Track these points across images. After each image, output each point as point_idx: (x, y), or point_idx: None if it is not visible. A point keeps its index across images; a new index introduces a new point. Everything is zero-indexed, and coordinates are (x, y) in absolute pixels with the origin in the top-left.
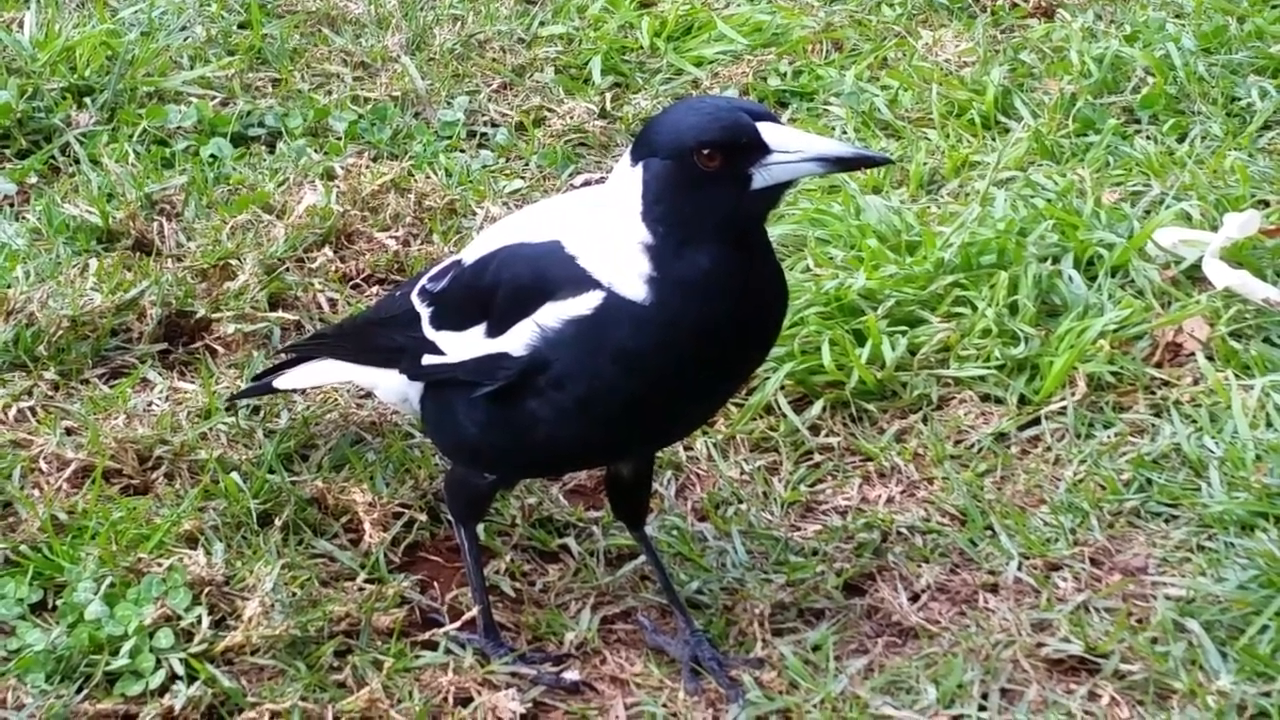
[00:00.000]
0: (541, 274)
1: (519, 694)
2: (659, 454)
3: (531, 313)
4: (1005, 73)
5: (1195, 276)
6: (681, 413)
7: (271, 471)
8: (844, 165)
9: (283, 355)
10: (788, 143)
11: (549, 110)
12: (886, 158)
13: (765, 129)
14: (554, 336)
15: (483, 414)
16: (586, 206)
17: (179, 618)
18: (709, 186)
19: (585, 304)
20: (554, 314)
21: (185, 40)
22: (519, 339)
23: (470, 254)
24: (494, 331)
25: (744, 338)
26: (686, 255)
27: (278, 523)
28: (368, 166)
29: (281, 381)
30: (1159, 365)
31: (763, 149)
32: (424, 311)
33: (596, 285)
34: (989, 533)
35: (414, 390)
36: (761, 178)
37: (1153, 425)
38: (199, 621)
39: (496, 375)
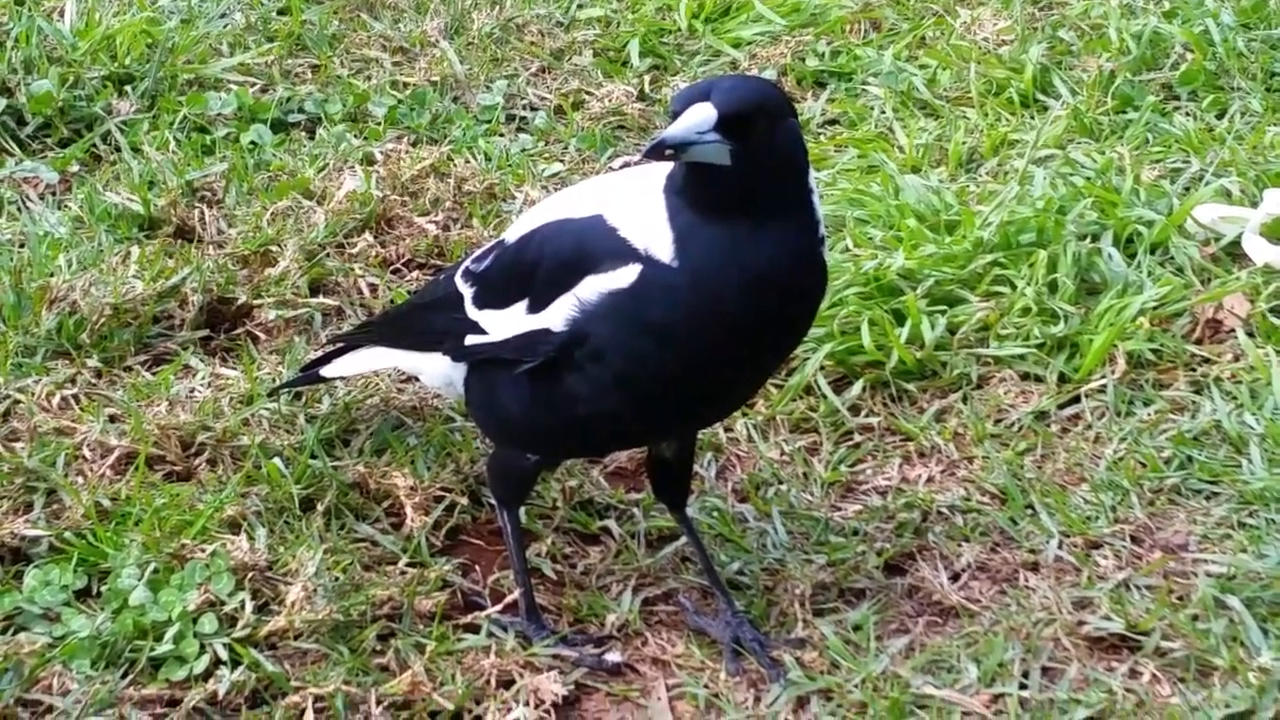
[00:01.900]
0: (583, 248)
1: (561, 676)
2: (700, 435)
3: (573, 287)
4: (1044, 50)
5: (1235, 253)
6: (717, 390)
7: (313, 457)
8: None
9: (328, 346)
10: (675, 124)
11: (588, 93)
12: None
13: (690, 110)
14: (593, 310)
15: (525, 392)
16: (634, 180)
17: (222, 603)
18: None
19: (624, 277)
20: (594, 287)
21: (225, 27)
22: (560, 314)
23: (513, 233)
24: (536, 308)
25: (765, 316)
26: (678, 212)
27: (320, 508)
28: (407, 151)
29: (328, 370)
30: (1199, 342)
31: None
32: (467, 292)
33: (636, 256)
34: (1029, 511)
35: (458, 373)
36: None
37: (1193, 402)
38: (242, 607)
39: (538, 351)
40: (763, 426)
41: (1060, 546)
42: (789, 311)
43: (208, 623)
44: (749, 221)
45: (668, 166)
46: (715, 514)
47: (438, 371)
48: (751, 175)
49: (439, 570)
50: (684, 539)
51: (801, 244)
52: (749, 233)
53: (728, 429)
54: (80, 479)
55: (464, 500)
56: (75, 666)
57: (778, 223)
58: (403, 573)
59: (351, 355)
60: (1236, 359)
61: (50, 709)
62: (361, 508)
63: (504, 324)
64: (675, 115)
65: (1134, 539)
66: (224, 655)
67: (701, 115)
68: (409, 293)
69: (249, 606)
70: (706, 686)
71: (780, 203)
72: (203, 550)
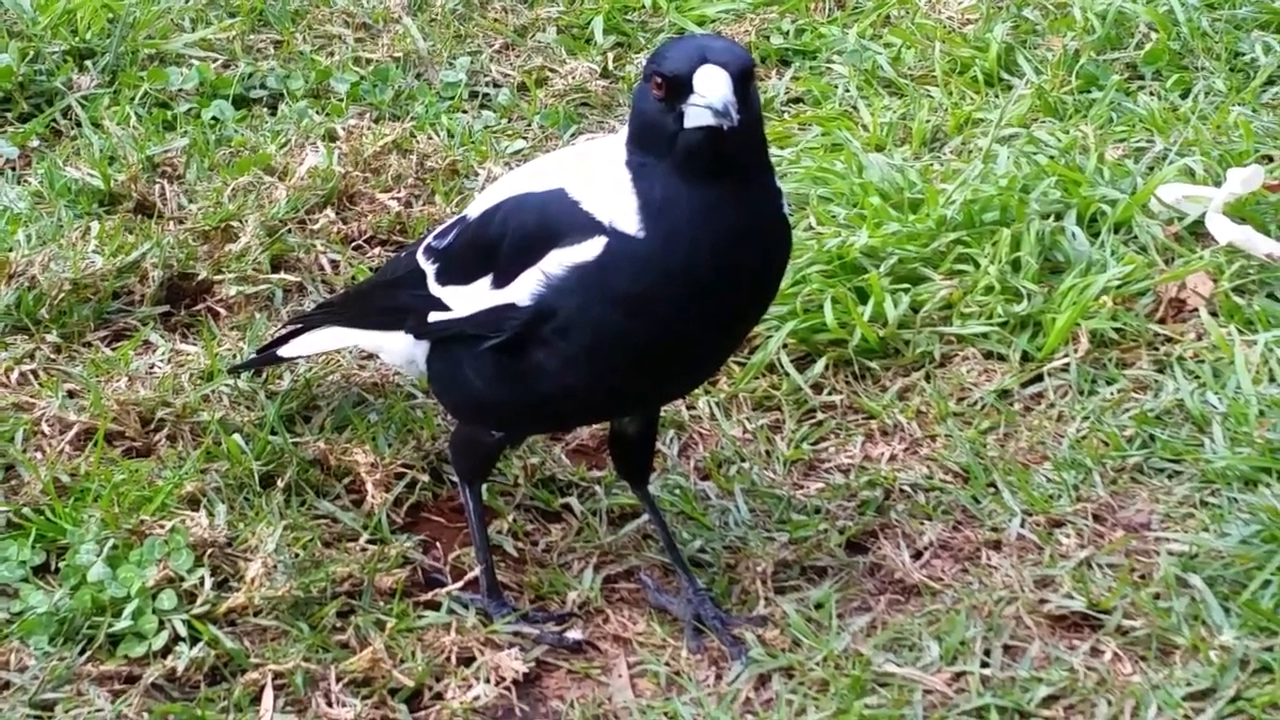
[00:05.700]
0: (546, 221)
1: (521, 653)
2: (662, 413)
3: (537, 261)
4: (1008, 29)
5: (1198, 232)
6: (685, 360)
7: (274, 433)
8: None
9: (286, 326)
10: (706, 88)
11: (551, 70)
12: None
13: (702, 71)
14: (559, 284)
15: (490, 368)
16: (593, 152)
17: (181, 579)
18: (656, 115)
19: (589, 250)
20: (559, 260)
21: (186, 2)
22: (525, 288)
23: (475, 209)
24: (500, 282)
25: (739, 278)
26: (654, 181)
27: (280, 484)
28: (369, 128)
29: (286, 350)
30: (1162, 321)
31: (689, 89)
32: (429, 269)
33: (599, 229)
34: (992, 490)
35: (420, 350)
36: (689, 117)
37: (1156, 381)
38: (201, 583)
39: (504, 327)
40: (725, 404)
41: (1023, 525)
42: (761, 275)
43: (167, 599)
44: (735, 181)
45: (622, 137)
46: (677, 491)
47: (399, 349)
48: (744, 134)
49: (400, 547)
50: (646, 517)
51: (772, 201)
52: (733, 193)
53: (690, 407)
54: (39, 454)
55: (425, 477)
56: (33, 643)
57: (755, 181)
58: (363, 549)
59: (310, 335)
60: (1199, 338)
61: (7, 685)
62: (322, 484)
63: (468, 300)
64: (674, 76)
65: (1096, 517)
66: (183, 632)
67: (724, 76)
68: (371, 269)
69: (208, 583)
70: (668, 664)
71: (756, 160)
72: (162, 526)
